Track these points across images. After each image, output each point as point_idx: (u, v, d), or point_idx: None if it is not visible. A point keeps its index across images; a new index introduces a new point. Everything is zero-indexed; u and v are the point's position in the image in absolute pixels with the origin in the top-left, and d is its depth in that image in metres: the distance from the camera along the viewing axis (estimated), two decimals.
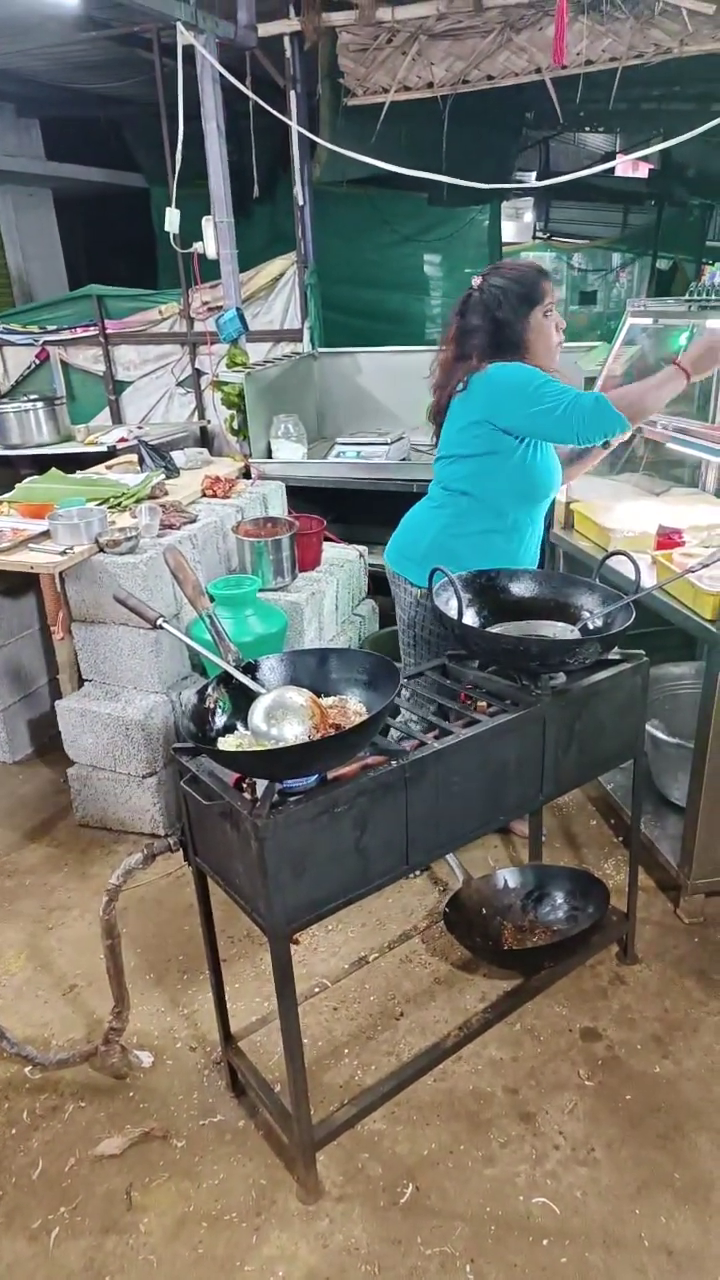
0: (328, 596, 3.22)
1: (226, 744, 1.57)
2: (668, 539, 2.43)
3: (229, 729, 1.61)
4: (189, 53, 3.36)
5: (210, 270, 3.98)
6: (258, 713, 1.54)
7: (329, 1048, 2.02)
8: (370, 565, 3.59)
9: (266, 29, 3.60)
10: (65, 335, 4.66)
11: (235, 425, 3.87)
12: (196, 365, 4.47)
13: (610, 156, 6.15)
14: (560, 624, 1.93)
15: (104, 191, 6.57)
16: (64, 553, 2.60)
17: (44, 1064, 1.93)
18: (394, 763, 1.57)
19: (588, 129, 6.77)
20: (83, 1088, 1.95)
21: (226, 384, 3.82)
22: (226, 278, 3.85)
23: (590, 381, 2.93)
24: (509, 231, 8.87)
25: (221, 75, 3.44)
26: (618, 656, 1.94)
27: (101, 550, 2.65)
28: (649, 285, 9.42)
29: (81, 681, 2.85)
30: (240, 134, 4.05)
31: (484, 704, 1.83)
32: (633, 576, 1.85)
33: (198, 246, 3.84)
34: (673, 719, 2.58)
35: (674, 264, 9.00)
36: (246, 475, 3.73)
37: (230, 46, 3.54)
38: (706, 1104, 1.84)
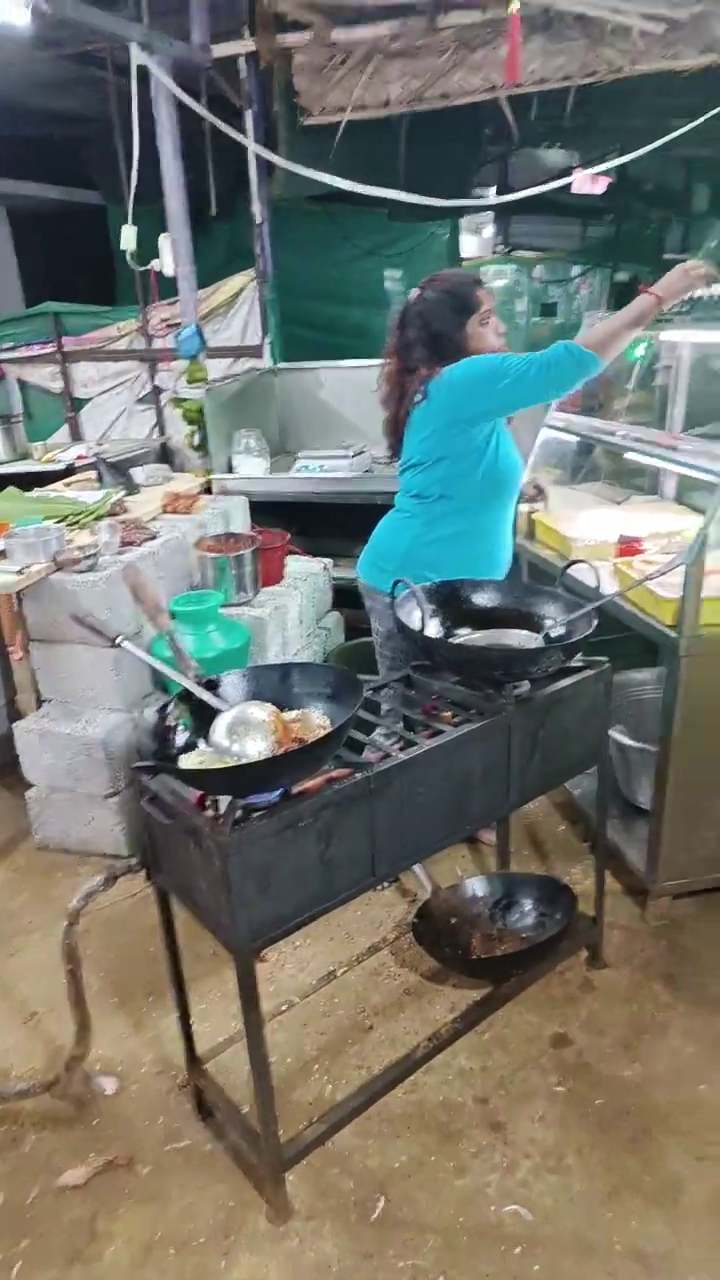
0: (292, 610, 3.21)
1: (188, 761, 1.55)
2: (628, 546, 2.47)
3: (191, 746, 1.60)
4: (143, 72, 3.37)
5: (169, 287, 3.99)
6: (219, 729, 1.53)
7: (298, 1064, 2.01)
8: (335, 578, 3.60)
9: (221, 49, 3.62)
10: (22, 353, 4.62)
11: (196, 441, 3.86)
12: (156, 382, 4.46)
13: (568, 172, 6.27)
14: (524, 632, 1.95)
15: (61, 209, 6.53)
16: (20, 572, 2.56)
17: (3, 1095, 1.89)
18: (358, 775, 1.57)
19: (545, 145, 6.88)
20: (44, 1117, 1.91)
21: (186, 400, 3.82)
22: (184, 294, 3.86)
23: None
24: (470, 245, 8.99)
25: (176, 95, 3.45)
26: (581, 664, 1.96)
27: (59, 569, 2.62)
28: (608, 297, 9.59)
29: (40, 702, 2.81)
30: (198, 152, 4.06)
31: (449, 714, 1.84)
32: (593, 584, 1.87)
33: (155, 264, 3.84)
34: (637, 724, 2.61)
35: (633, 276, 9.17)
36: (208, 491, 3.72)
37: (185, 66, 3.56)
38: (674, 1106, 1.86)
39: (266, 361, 4.30)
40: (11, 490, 3.37)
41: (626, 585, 2.16)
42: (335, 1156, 1.78)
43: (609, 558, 2.43)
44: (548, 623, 1.92)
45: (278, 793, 1.52)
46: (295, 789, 1.53)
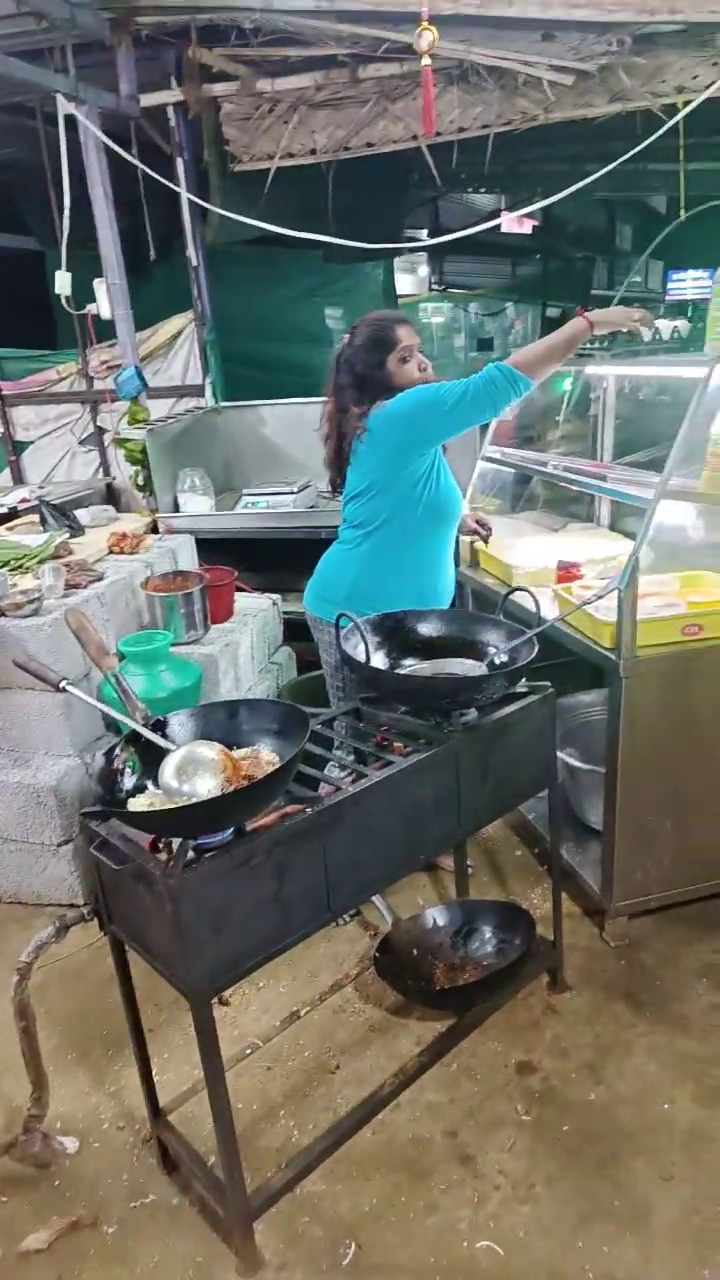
0: (243, 646, 3.21)
1: (137, 804, 1.54)
2: (567, 572, 2.53)
3: (140, 789, 1.58)
4: (72, 121, 3.41)
5: (108, 330, 4.01)
6: (168, 770, 1.52)
7: (264, 1110, 1.97)
8: (285, 612, 3.60)
9: (149, 99, 3.69)
10: None
11: (140, 481, 3.86)
12: (99, 423, 4.46)
13: (496, 214, 6.50)
14: (469, 661, 1.97)
15: None
16: None
17: None
18: (309, 810, 1.57)
19: (470, 190, 7.13)
20: (4, 1180, 1.84)
21: (129, 441, 3.82)
22: (123, 337, 3.88)
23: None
24: (407, 284, 9.23)
25: (106, 144, 3.50)
26: (525, 689, 1.99)
27: (3, 614, 2.59)
28: (540, 332, 9.90)
29: None
30: (133, 197, 4.11)
31: (400, 745, 1.85)
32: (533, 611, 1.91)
33: (91, 308, 3.86)
34: (588, 746, 2.65)
35: (563, 312, 9.50)
36: (155, 530, 3.71)
37: (114, 115, 3.62)
38: (640, 1127, 1.86)
39: (209, 400, 4.33)
40: None
41: (566, 610, 2.22)
42: (304, 1203, 1.75)
43: (549, 584, 2.49)
44: (491, 650, 1.95)
45: (230, 832, 1.52)
46: (250, 826, 1.53)
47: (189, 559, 3.53)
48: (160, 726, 1.64)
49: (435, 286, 9.81)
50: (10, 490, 4.18)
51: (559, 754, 2.50)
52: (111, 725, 2.83)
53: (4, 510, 3.84)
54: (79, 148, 3.51)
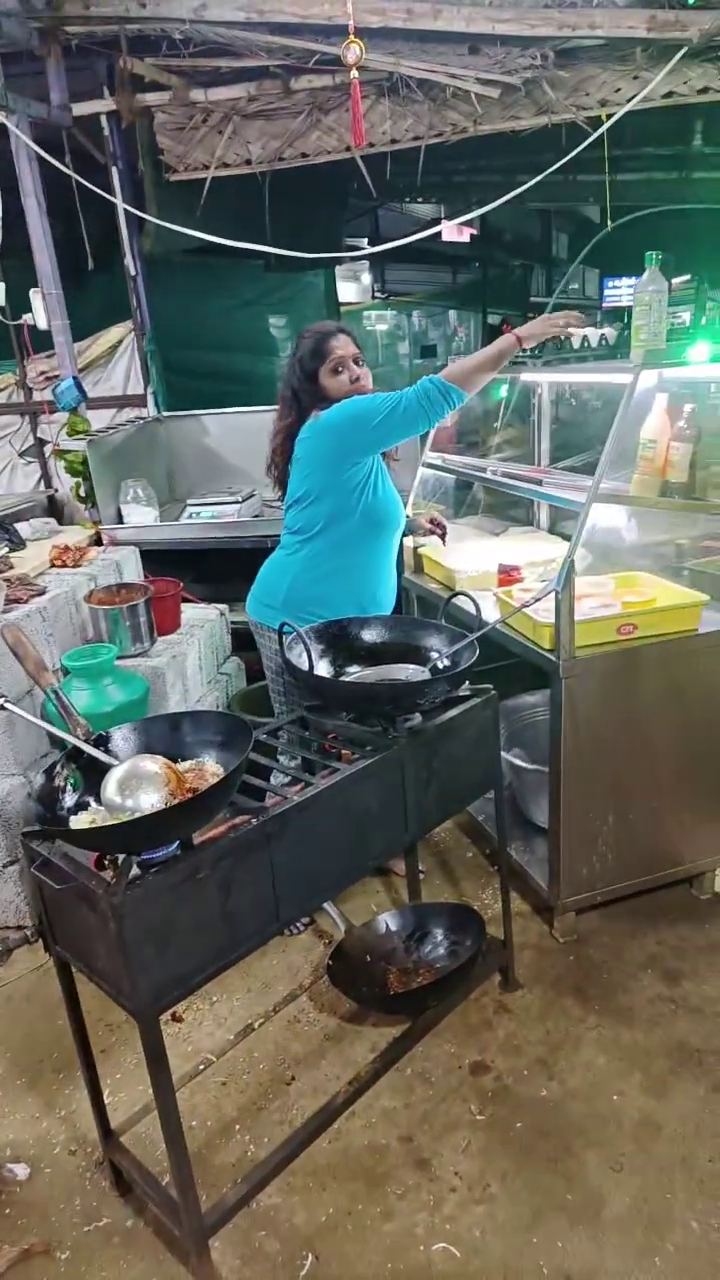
0: (190, 658, 3.19)
1: (80, 822, 1.52)
2: (508, 576, 2.57)
3: (82, 806, 1.56)
4: (2, 130, 3.36)
5: (44, 340, 3.95)
6: (110, 785, 1.51)
7: (219, 1126, 1.95)
8: (233, 622, 3.59)
9: (82, 108, 3.66)
10: None
11: (82, 493, 3.81)
12: (39, 434, 4.39)
13: (436, 223, 6.58)
14: (412, 666, 1.99)
15: None
16: None
17: None
18: (254, 820, 1.56)
19: (408, 200, 7.21)
20: None
21: (69, 452, 3.77)
22: (60, 348, 3.83)
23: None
24: (349, 292, 9.30)
25: (38, 153, 3.46)
26: (468, 692, 2.02)
27: None
28: (482, 339, 10.05)
29: None
30: (69, 206, 4.07)
31: (348, 752, 1.86)
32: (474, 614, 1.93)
33: (27, 318, 3.81)
34: (534, 746, 2.69)
35: (503, 319, 9.67)
36: (98, 542, 3.66)
37: (46, 124, 3.58)
38: (591, 1119, 1.89)
39: (151, 410, 4.30)
40: None
41: (506, 613, 2.25)
42: (261, 1217, 1.74)
43: (491, 587, 2.52)
44: (434, 655, 1.97)
45: (175, 846, 1.50)
46: (198, 839, 1.52)
47: (134, 571, 3.50)
48: (103, 742, 1.63)
49: (378, 294, 9.91)
50: None
51: (505, 755, 2.55)
52: (58, 742, 2.78)
53: None
54: (10, 157, 3.46)
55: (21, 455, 4.47)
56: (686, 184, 5.30)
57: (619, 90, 3.34)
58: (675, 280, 7.61)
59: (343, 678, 1.99)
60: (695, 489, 2.14)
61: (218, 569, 3.86)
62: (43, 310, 3.76)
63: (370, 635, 2.09)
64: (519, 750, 2.68)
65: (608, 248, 5.85)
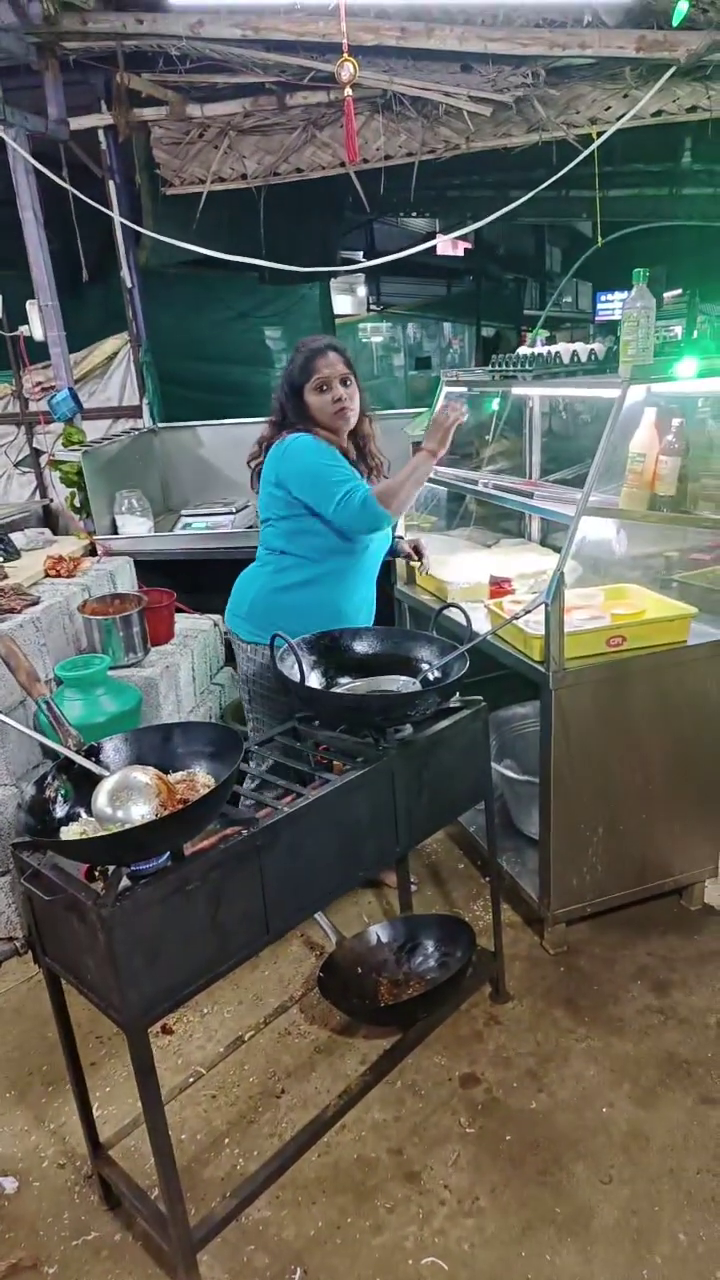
0: (183, 669, 3.19)
1: (70, 833, 1.52)
2: (499, 587, 2.58)
3: (73, 817, 1.57)
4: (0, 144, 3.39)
5: (40, 351, 3.97)
6: (101, 796, 1.51)
7: (209, 1139, 1.95)
8: (227, 634, 3.59)
9: (79, 122, 3.69)
10: None
11: (77, 503, 3.82)
12: (35, 445, 4.40)
13: (430, 237, 6.64)
14: (403, 677, 2.00)
15: None
16: None
17: None
18: (244, 831, 1.57)
19: (402, 214, 7.27)
20: None
21: (64, 463, 3.78)
22: (56, 359, 3.85)
23: (416, 445, 3.10)
24: (345, 304, 9.36)
25: (35, 166, 3.48)
26: (458, 704, 2.03)
27: None
28: (476, 351, 10.13)
29: None
30: (66, 218, 4.09)
31: (340, 764, 1.87)
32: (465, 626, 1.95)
33: (23, 329, 3.83)
34: (524, 757, 2.70)
35: (497, 331, 9.74)
36: (93, 553, 3.67)
37: (43, 138, 3.60)
38: (580, 1131, 1.89)
39: (146, 421, 4.32)
40: None
41: (497, 624, 2.27)
42: (250, 1231, 1.73)
43: (482, 599, 2.54)
44: (425, 666, 1.99)
45: (166, 857, 1.51)
46: (189, 850, 1.52)
47: (128, 581, 3.51)
48: (94, 753, 1.63)
49: (374, 307, 9.97)
50: None
51: (497, 766, 2.56)
52: (49, 753, 2.79)
53: None
54: (8, 170, 3.49)
55: (17, 465, 4.48)
56: (676, 200, 5.37)
57: (609, 108, 3.38)
58: (667, 295, 7.67)
59: (334, 689, 2.00)
60: (683, 502, 2.16)
61: (212, 580, 3.85)
62: (39, 322, 3.77)
63: (361, 646, 2.10)
64: (510, 761, 2.69)
65: (600, 262, 5.90)
